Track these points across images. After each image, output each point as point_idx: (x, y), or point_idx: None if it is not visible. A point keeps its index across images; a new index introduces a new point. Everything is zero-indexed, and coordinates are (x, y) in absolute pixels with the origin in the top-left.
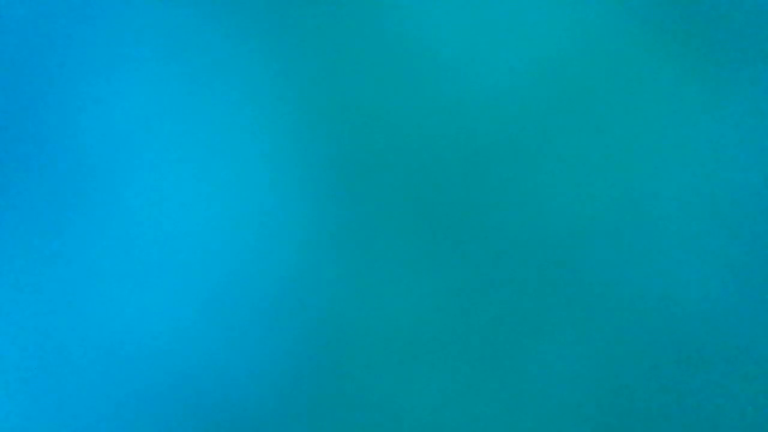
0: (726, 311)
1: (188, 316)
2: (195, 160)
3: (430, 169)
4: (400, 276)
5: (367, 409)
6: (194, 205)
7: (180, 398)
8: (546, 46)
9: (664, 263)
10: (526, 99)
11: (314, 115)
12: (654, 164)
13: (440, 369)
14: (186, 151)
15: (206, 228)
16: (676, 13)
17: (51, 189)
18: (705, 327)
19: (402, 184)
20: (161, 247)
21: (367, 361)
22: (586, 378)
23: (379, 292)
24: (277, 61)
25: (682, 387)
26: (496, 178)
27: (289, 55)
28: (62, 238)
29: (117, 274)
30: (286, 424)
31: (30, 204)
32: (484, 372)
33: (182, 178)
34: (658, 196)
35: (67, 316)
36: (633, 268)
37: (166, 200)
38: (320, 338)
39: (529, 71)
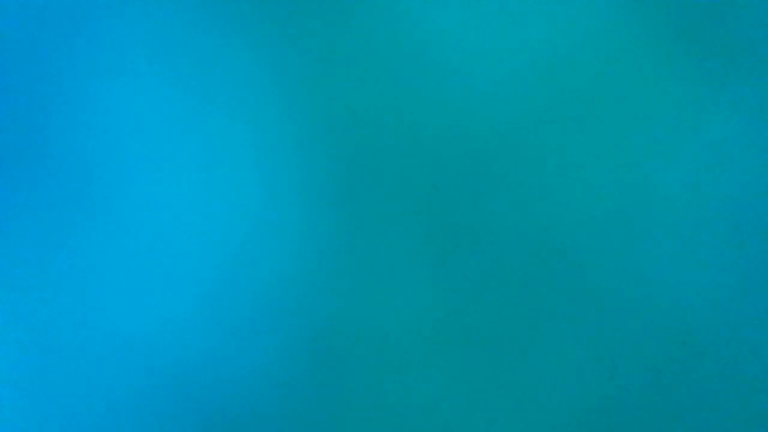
0: (727, 311)
1: (186, 315)
2: (193, 161)
3: (429, 169)
4: (398, 276)
5: (366, 409)
6: (192, 206)
7: (177, 397)
8: (546, 45)
9: (664, 263)
10: (525, 100)
11: (314, 115)
12: (654, 164)
13: (439, 369)
14: (184, 152)
15: (204, 228)
16: (677, 13)
17: (49, 190)
18: (705, 327)
19: (400, 183)
20: (159, 247)
21: (366, 361)
22: (587, 378)
23: (377, 292)
24: (276, 62)
25: (683, 387)
26: (496, 178)
27: (287, 57)
28: (60, 239)
29: (115, 274)
30: (283, 423)
31: (29, 204)
32: (483, 372)
33: (180, 178)
34: (658, 196)
35: (65, 315)
36: (633, 267)
37: (164, 200)
38: (318, 338)
39: (529, 71)
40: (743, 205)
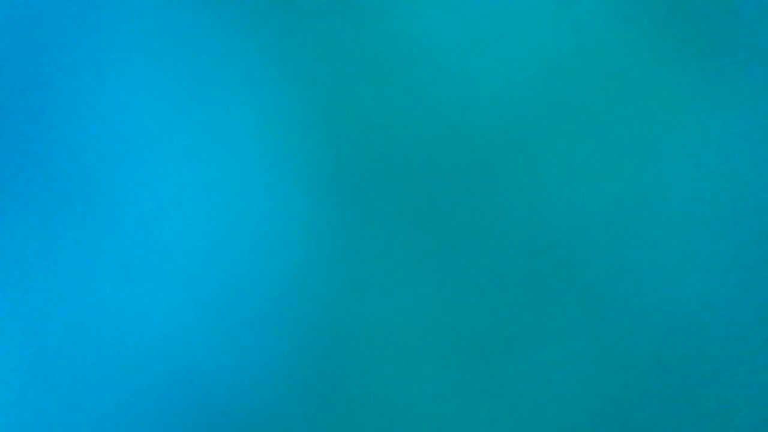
0: (727, 312)
1: (188, 316)
2: (195, 161)
3: (430, 170)
4: (400, 276)
5: (367, 410)
6: (194, 206)
7: (179, 399)
8: (546, 46)
9: (664, 264)
10: (526, 100)
11: (314, 115)
12: (654, 165)
13: (440, 369)
14: (186, 151)
15: (206, 228)
16: (677, 13)
17: (51, 189)
18: (705, 328)
19: (402, 184)
20: (161, 247)
21: (367, 361)
22: (587, 379)
23: (379, 293)
24: (277, 61)
25: (683, 388)
26: (496, 178)
27: (288, 56)
28: (62, 239)
29: (117, 275)
30: (285, 424)
31: (30, 204)
32: (484, 372)
33: (182, 178)
34: (658, 197)
35: (67, 315)
36: (633, 268)
37: (166, 200)
38: (320, 339)
39: (529, 72)
40: (744, 205)
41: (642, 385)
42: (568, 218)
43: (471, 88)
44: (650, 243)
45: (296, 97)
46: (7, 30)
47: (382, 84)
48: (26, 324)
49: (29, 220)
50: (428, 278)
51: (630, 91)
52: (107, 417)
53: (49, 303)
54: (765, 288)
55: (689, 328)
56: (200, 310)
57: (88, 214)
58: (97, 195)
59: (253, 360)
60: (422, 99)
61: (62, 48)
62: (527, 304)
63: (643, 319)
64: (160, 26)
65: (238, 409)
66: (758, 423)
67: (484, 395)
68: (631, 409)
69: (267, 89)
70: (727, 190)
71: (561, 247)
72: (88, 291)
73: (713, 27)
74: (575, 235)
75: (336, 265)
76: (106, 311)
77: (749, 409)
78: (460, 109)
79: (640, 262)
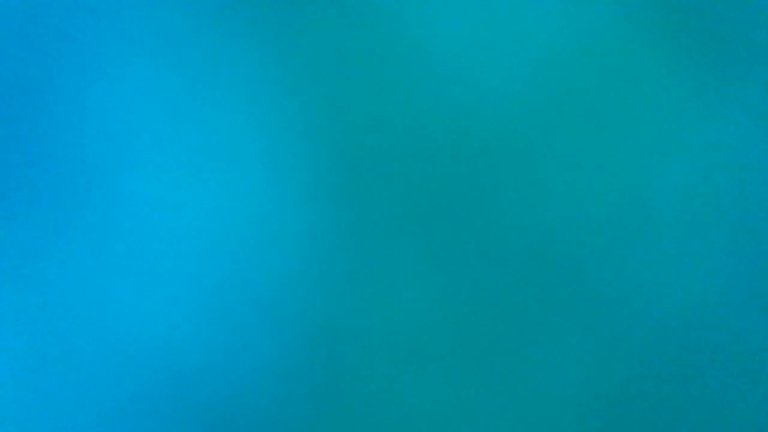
0: (727, 311)
1: (188, 316)
2: (195, 161)
3: (430, 170)
4: (400, 276)
5: (366, 410)
6: (194, 206)
7: (178, 398)
8: (546, 46)
9: (664, 264)
10: (526, 101)
11: (314, 115)
12: (654, 165)
13: (440, 369)
14: (186, 151)
15: (206, 228)
16: (676, 14)
17: (49, 189)
18: (705, 327)
19: (401, 184)
20: (161, 246)
21: (367, 361)
22: (587, 378)
23: (378, 293)
24: (277, 62)
25: (683, 387)
26: (496, 179)
27: (288, 57)
28: (62, 238)
29: (117, 274)
30: (284, 424)
31: (30, 204)
32: (484, 372)
33: (182, 178)
34: (658, 197)
35: (67, 315)
36: (634, 268)
37: (166, 200)
38: (320, 339)
39: (529, 72)
40: (744, 206)
41: (642, 384)
42: (568, 218)
43: (471, 89)
44: (651, 243)
45: (296, 97)
46: (6, 30)
47: (382, 84)
48: (24, 324)
49: (27, 221)
50: (428, 278)
51: (631, 91)
52: (106, 416)
53: (47, 303)
54: (765, 288)
55: (689, 328)
56: (199, 310)
57: (87, 215)
58: (96, 195)
59: (251, 360)
60: (422, 99)
61: (62, 48)
62: (527, 304)
63: (644, 319)
64: (160, 26)
65: (237, 409)
66: (758, 423)
67: (485, 395)
68: (631, 408)
69: (267, 89)
70: (727, 190)
71: (561, 246)
72: (86, 291)
73: (714, 28)
74: (576, 234)
75: (335, 266)
76: (105, 311)
77: (749, 409)
78: (459, 110)
79: (640, 262)
